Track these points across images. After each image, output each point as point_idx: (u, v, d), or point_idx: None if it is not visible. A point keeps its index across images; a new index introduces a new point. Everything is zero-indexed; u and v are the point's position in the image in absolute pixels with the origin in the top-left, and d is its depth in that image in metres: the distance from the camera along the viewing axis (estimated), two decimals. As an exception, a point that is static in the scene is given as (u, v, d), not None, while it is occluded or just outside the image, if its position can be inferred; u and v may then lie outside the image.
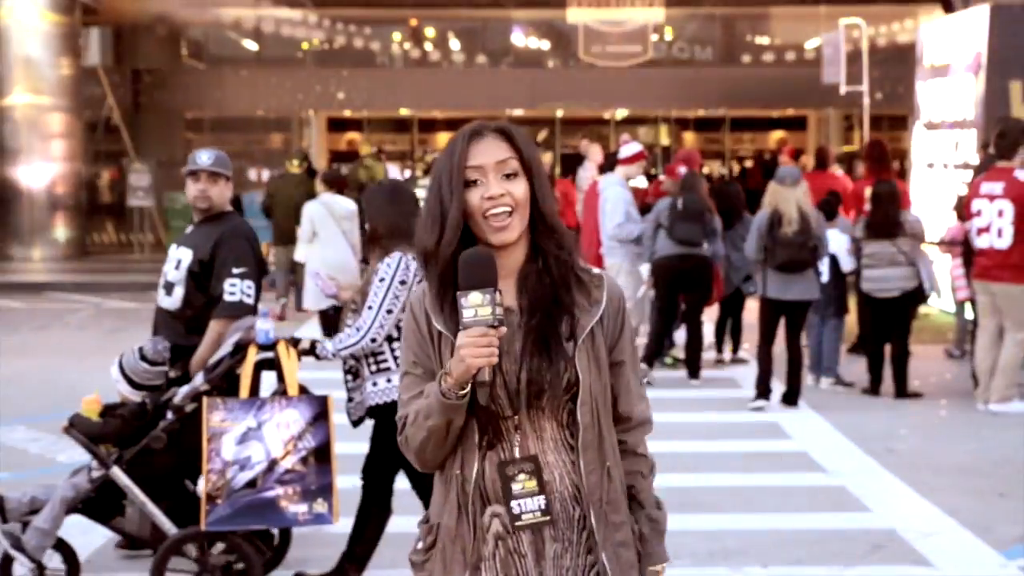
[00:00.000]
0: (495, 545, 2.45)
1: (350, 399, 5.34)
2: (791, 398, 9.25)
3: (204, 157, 5.60)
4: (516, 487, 2.42)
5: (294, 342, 5.31)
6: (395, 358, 5.11)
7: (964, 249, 9.96)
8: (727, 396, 9.80)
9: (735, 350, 11.29)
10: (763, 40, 28.70)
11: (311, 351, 5.27)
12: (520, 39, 28.89)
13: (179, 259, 5.56)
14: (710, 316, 11.97)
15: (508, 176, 2.43)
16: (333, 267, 10.46)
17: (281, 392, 5.25)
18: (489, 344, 2.31)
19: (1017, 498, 6.79)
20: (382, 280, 5.08)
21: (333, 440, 5.18)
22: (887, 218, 9.53)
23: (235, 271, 5.47)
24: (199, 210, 5.63)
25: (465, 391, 2.37)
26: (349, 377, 5.30)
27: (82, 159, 21.64)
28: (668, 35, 27.83)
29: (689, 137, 29.54)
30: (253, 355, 5.21)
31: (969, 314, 10.90)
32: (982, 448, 8.09)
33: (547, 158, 22.52)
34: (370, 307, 5.08)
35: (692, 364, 10.33)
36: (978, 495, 6.93)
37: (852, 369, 10.33)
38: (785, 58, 27.19)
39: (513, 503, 2.42)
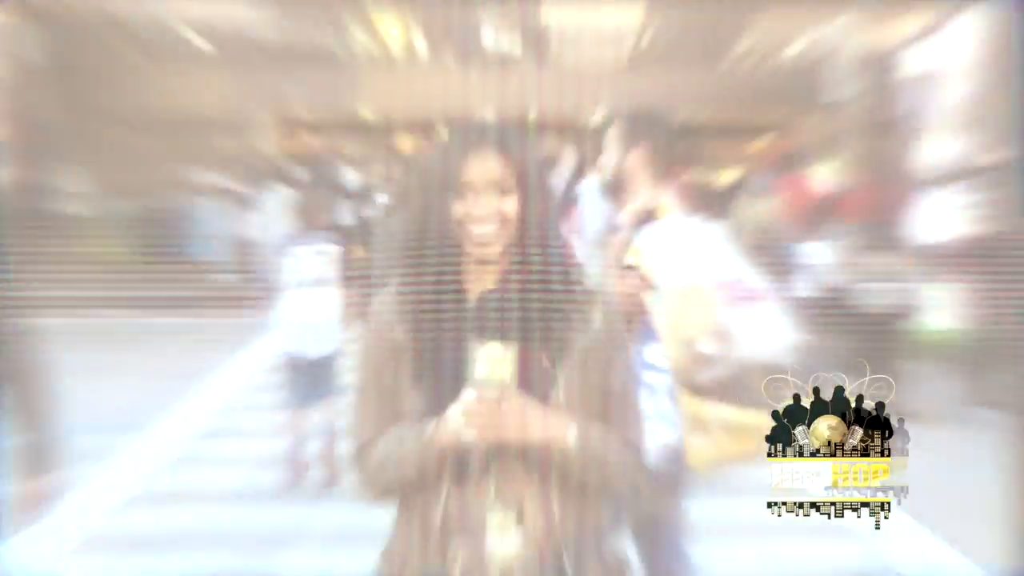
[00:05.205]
0: None
1: None
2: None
3: None
4: (492, 520, 2.44)
5: None
6: None
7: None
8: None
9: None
10: (747, 42, 28.98)
11: None
12: (491, 38, 28.96)
13: None
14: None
15: (501, 191, 2.46)
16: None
17: None
18: (500, 418, 2.34)
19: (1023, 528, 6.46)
20: None
21: None
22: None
23: None
24: None
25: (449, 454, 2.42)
26: None
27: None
28: (648, 36, 27.78)
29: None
30: None
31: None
32: (985, 476, 7.58)
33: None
34: None
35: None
36: (981, 524, 6.46)
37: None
38: (770, 61, 27.21)
39: (487, 537, 2.43)
